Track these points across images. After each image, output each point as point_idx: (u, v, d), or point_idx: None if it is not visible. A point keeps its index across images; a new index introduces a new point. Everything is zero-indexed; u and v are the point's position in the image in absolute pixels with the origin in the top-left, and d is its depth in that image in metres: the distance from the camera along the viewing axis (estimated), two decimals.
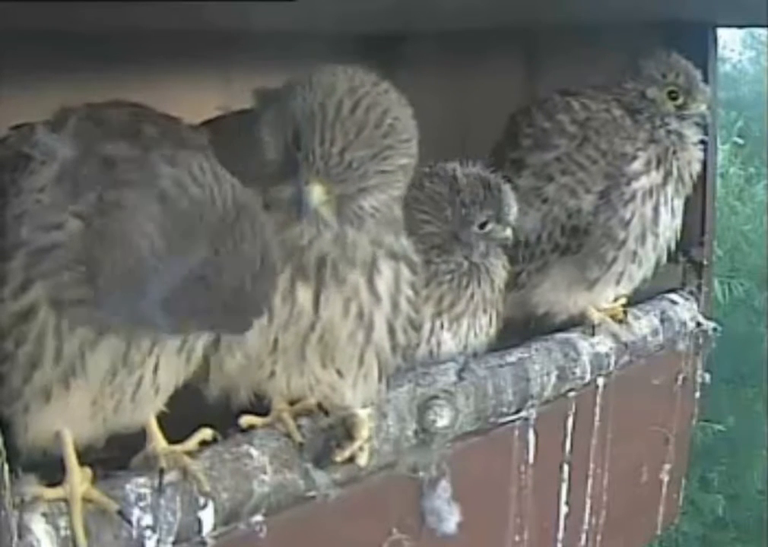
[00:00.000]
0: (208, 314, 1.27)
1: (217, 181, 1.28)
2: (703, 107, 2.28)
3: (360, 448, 1.68)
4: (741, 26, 3.99)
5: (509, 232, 2.08)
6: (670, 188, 2.25)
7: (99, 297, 1.29)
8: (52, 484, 1.39)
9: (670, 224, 2.28)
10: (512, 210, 2.08)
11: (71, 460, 1.44)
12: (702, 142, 2.31)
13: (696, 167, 2.30)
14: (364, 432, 1.69)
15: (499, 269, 2.11)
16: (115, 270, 1.26)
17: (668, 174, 2.24)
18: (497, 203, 2.06)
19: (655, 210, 2.23)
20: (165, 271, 1.23)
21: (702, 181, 2.37)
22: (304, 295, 1.58)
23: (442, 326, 2.05)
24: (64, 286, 1.32)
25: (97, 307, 1.30)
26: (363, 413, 1.71)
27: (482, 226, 2.06)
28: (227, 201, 1.27)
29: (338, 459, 1.65)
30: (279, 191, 1.52)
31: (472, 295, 2.06)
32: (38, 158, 1.37)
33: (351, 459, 1.67)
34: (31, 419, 1.44)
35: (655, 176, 2.23)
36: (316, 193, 1.48)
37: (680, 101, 2.26)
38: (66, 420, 1.45)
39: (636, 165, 2.21)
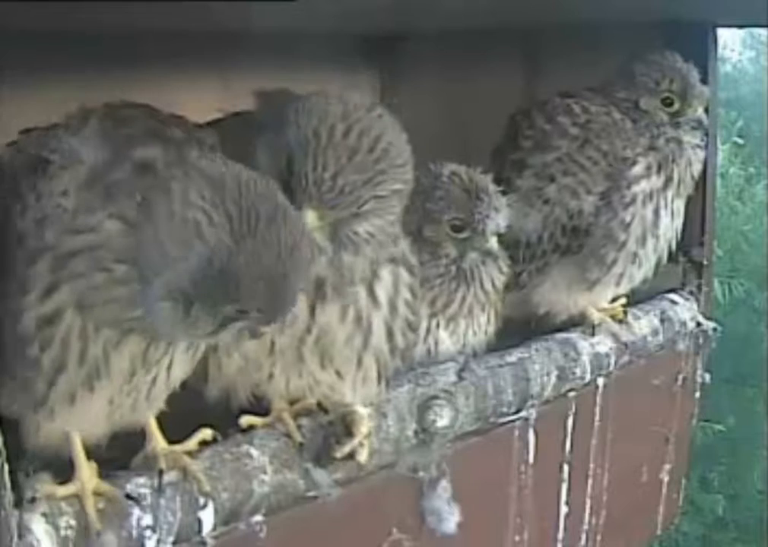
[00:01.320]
0: (263, 295, 1.29)
1: (244, 171, 1.33)
2: (699, 111, 2.26)
3: (360, 444, 1.68)
4: (741, 26, 3.99)
5: (492, 243, 2.04)
6: (670, 192, 2.24)
7: (164, 289, 1.28)
8: (61, 481, 1.40)
9: (670, 225, 2.27)
10: (494, 222, 2.00)
11: (80, 456, 1.45)
12: (702, 142, 2.30)
13: (698, 167, 2.29)
14: (363, 428, 1.69)
15: (495, 271, 2.08)
16: (184, 263, 1.26)
17: (668, 179, 2.23)
18: (470, 207, 1.99)
19: (656, 212, 2.22)
20: (228, 256, 1.25)
21: (702, 181, 2.37)
22: (300, 304, 1.57)
23: (438, 325, 2.04)
24: (94, 288, 1.32)
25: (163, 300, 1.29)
26: (362, 409, 1.71)
27: (456, 229, 2.01)
28: (261, 188, 1.31)
29: (338, 455, 1.66)
30: None
31: (464, 298, 2.05)
32: (57, 162, 1.36)
33: (351, 456, 1.68)
34: (47, 421, 1.44)
35: (656, 181, 2.22)
36: (309, 218, 1.47)
37: (675, 107, 2.24)
38: (84, 421, 1.46)
39: (637, 170, 2.21)
